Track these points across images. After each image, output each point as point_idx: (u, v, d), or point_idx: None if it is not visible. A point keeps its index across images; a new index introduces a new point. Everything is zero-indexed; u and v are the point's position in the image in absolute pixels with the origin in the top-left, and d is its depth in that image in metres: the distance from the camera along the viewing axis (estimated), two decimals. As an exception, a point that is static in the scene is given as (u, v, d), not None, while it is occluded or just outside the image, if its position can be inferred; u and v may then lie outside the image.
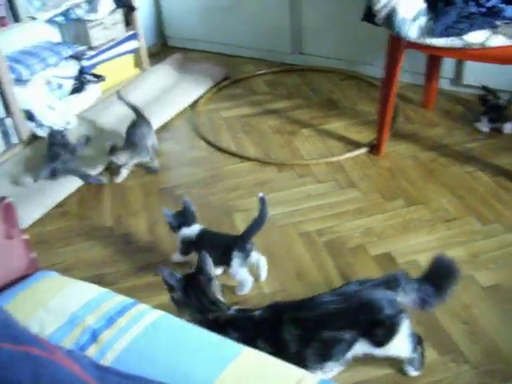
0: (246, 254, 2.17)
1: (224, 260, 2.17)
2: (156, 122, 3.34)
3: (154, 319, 1.30)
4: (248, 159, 3.01)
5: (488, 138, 3.04)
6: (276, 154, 3.05)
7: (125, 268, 2.38)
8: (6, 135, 3.12)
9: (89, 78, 3.54)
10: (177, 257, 2.36)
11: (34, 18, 3.13)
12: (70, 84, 3.42)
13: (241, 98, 3.64)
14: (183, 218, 2.26)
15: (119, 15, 3.71)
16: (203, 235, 2.25)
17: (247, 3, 3.96)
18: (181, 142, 3.26)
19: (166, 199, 2.76)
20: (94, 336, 1.23)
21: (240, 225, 2.54)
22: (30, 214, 2.70)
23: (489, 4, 2.45)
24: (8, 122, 3.11)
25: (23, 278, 1.46)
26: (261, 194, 2.17)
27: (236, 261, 2.15)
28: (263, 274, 2.27)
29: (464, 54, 2.49)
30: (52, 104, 3.27)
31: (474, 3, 2.45)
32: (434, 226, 2.47)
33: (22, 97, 3.14)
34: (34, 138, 3.22)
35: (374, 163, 2.90)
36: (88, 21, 3.49)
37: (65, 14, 3.45)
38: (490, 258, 2.28)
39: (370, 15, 2.64)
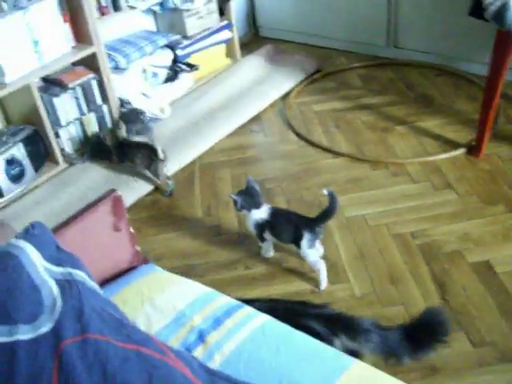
0: (315, 237, 2.17)
1: (294, 238, 2.18)
2: (247, 113, 3.33)
3: (261, 323, 1.28)
4: (340, 155, 2.95)
5: None
6: (369, 150, 2.97)
7: (214, 260, 2.39)
8: (102, 121, 3.19)
9: (182, 67, 3.57)
10: (265, 251, 2.35)
11: (133, 8, 3.18)
12: (164, 73, 3.45)
13: (333, 92, 3.57)
14: (251, 199, 2.22)
15: (214, 5, 3.71)
16: (275, 213, 2.24)
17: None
18: (272, 134, 3.24)
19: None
20: (202, 336, 1.23)
21: (331, 222, 2.48)
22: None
23: None
24: (104, 108, 3.18)
25: (128, 270, 1.48)
26: (326, 191, 2.14)
27: (305, 241, 2.16)
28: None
29: None
30: (147, 92, 3.32)
31: None
32: (537, 237, 2.34)
33: (118, 85, 3.20)
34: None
35: (473, 165, 2.78)
36: (184, 10, 3.51)
37: (161, 3, 3.49)
38: None
39: (477, 10, 2.51)
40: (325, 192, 2.15)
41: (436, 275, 2.19)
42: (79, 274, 1.12)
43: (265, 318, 1.31)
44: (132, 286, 1.39)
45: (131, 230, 1.53)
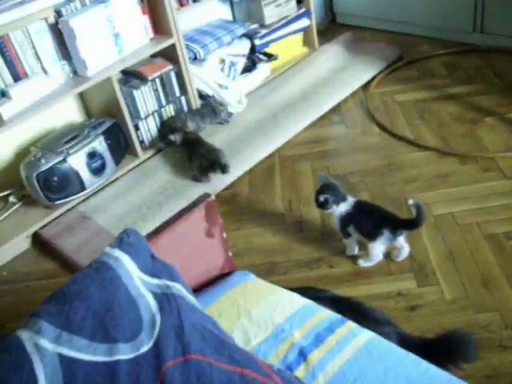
0: (394, 237, 2.14)
1: (373, 232, 2.14)
2: (327, 104, 3.24)
3: (366, 341, 1.21)
4: (426, 148, 2.81)
5: None
6: (457, 144, 2.82)
7: (297, 258, 2.33)
8: (180, 112, 3.17)
9: (261, 56, 3.50)
10: (350, 249, 2.28)
11: (210, -4, 3.13)
12: (242, 63, 3.40)
13: (416, 81, 3.42)
14: (336, 193, 2.18)
15: (292, -8, 3.62)
16: (360, 206, 2.20)
17: (424, -24, 3.71)
18: (353, 126, 3.13)
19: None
20: (303, 354, 1.16)
21: (418, 220, 2.38)
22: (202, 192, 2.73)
23: None
24: (182, 100, 3.16)
25: (221, 276, 1.43)
26: (412, 201, 2.08)
27: (382, 238, 2.12)
28: (401, 258, 2.22)
29: None
30: (225, 83, 3.28)
31: None
32: None
33: (195, 76, 3.17)
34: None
35: None
36: (262, -2, 3.44)
37: (239, -9, 3.43)
38: None
39: None
40: (410, 202, 2.07)
41: (534, 279, 2.06)
42: (176, 287, 1.07)
43: (369, 335, 1.23)
44: (227, 295, 1.34)
45: (224, 235, 1.48)
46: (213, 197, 1.42)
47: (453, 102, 3.15)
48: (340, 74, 3.50)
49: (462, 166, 2.66)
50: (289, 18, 3.62)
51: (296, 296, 1.37)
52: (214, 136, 3.08)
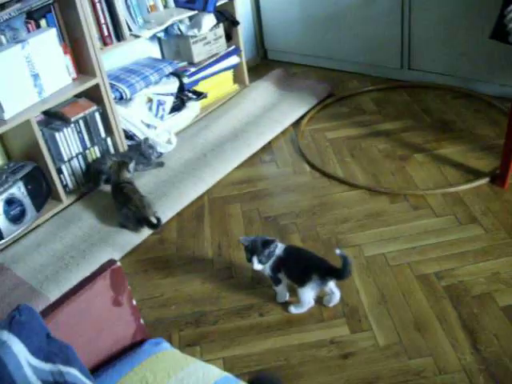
0: (323, 283, 2.08)
1: (300, 278, 2.08)
2: (258, 142, 3.19)
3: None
4: (357, 187, 2.79)
5: None
6: (387, 181, 2.82)
7: (227, 306, 2.23)
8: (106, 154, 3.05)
9: (190, 95, 3.44)
10: (280, 296, 2.20)
11: (137, 36, 3.05)
12: (170, 102, 3.32)
13: (347, 118, 3.42)
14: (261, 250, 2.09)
15: (221, 30, 3.58)
16: (290, 251, 2.14)
17: (352, 14, 3.73)
18: (284, 165, 3.08)
19: (269, 229, 2.60)
20: None
21: (352, 263, 2.32)
22: (129, 238, 2.62)
23: None
24: (108, 141, 3.05)
25: (131, 346, 1.32)
26: (339, 252, 2.03)
27: (311, 284, 2.06)
28: (332, 303, 2.16)
29: None
30: (153, 123, 3.19)
31: None
32: None
33: (121, 116, 3.07)
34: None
35: (498, 196, 2.62)
36: (191, 36, 3.38)
37: (166, 29, 3.36)
38: None
39: (500, 33, 2.37)
40: (337, 252, 2.02)
41: (465, 321, 2.03)
42: (71, 373, 0.97)
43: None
44: (135, 371, 1.23)
45: (134, 302, 1.38)
46: (118, 263, 1.32)
47: (383, 138, 3.16)
48: (271, 112, 3.47)
49: (393, 205, 2.65)
50: (218, 56, 3.57)
51: (212, 368, 1.27)
52: (142, 178, 2.98)
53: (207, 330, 2.14)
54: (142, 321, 1.40)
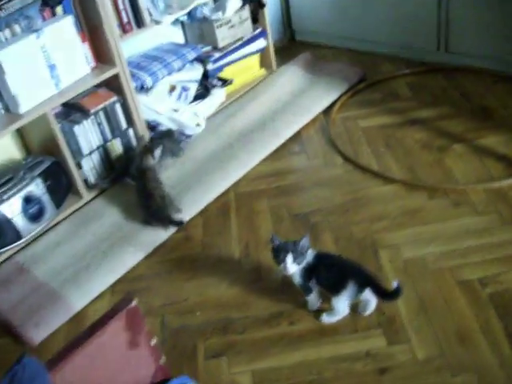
0: (360, 291, 1.93)
1: (335, 285, 1.94)
2: (286, 132, 3.03)
3: None
4: (393, 181, 2.62)
5: None
6: (425, 174, 2.63)
7: (254, 314, 2.10)
8: (128, 147, 2.92)
9: (215, 82, 3.28)
10: (312, 304, 2.06)
11: (158, 22, 2.89)
12: (194, 89, 3.17)
13: (380, 104, 3.23)
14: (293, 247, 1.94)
15: (246, 12, 3.40)
16: (321, 258, 1.99)
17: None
18: (314, 156, 2.92)
19: (299, 227, 2.45)
20: None
21: (387, 265, 2.18)
22: (152, 236, 2.50)
23: None
24: (130, 132, 2.92)
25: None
26: (396, 283, 1.88)
27: (347, 292, 1.91)
28: (367, 312, 2.01)
29: None
30: (176, 112, 3.04)
31: None
32: None
33: (144, 105, 2.94)
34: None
35: (546, 192, 2.43)
36: (215, 20, 3.22)
37: (189, 13, 3.19)
38: None
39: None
40: (394, 285, 1.87)
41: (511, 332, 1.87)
42: None
43: None
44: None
45: (153, 342, 1.24)
46: (134, 302, 1.19)
47: (419, 126, 2.97)
48: (299, 99, 3.30)
49: (432, 201, 2.47)
50: (244, 40, 3.40)
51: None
52: (165, 171, 2.84)
53: (234, 339, 2.01)
54: (163, 361, 1.26)
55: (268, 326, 2.04)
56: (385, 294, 1.92)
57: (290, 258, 1.91)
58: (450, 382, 1.75)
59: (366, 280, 1.92)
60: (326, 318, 2.01)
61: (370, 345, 1.91)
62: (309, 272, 1.96)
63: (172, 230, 2.53)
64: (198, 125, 3.08)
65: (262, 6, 3.40)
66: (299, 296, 2.08)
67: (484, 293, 2.02)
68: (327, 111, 3.24)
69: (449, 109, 3.07)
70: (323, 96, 3.30)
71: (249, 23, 3.45)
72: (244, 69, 3.51)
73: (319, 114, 3.22)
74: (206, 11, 3.20)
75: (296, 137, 3.06)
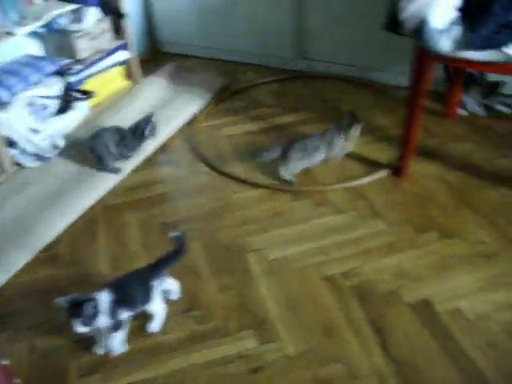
0: (162, 280, 2.00)
1: (144, 297, 1.95)
2: (153, 142, 3.02)
3: None
4: (258, 186, 2.69)
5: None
6: (288, 178, 2.74)
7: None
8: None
9: (76, 95, 3.20)
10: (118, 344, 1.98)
11: (11, 34, 2.78)
12: (55, 103, 3.08)
13: (244, 112, 3.31)
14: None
15: (107, 23, 3.37)
16: (115, 286, 1.92)
17: (245, 3, 3.63)
18: (181, 166, 2.93)
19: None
20: None
21: (254, 268, 2.24)
22: (15, 258, 2.39)
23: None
24: (-12, 149, 2.79)
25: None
26: (171, 234, 2.00)
27: (155, 293, 1.96)
28: (175, 295, 2.12)
29: (506, 69, 2.19)
30: (36, 127, 2.94)
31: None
32: (473, 264, 2.19)
33: (1, 122, 2.81)
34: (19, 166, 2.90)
35: (399, 188, 2.61)
36: (74, 31, 3.15)
37: (47, 24, 3.10)
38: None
39: (393, 24, 2.33)
40: (174, 234, 2.00)
41: (374, 322, 1.98)
42: None
43: None
44: None
45: (5, 362, 1.18)
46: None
47: (282, 132, 3.08)
48: (165, 110, 3.30)
49: (295, 203, 2.58)
50: (105, 52, 3.35)
51: None
52: (22, 192, 2.73)
53: (107, 354, 1.98)
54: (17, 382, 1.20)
55: (139, 337, 2.02)
56: (178, 253, 1.99)
57: (78, 323, 1.81)
58: (319, 374, 1.83)
59: (162, 266, 1.98)
60: (155, 326, 2.02)
61: (242, 346, 1.95)
62: (113, 308, 1.88)
63: (37, 247, 2.43)
64: (55, 147, 2.99)
65: (121, 16, 3.37)
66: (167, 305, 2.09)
67: (346, 286, 2.13)
68: (193, 121, 3.27)
69: (310, 114, 3.21)
70: (188, 106, 3.34)
71: (110, 35, 3.41)
72: (107, 81, 3.46)
73: (185, 124, 3.25)
74: (64, 22, 3.13)
75: (163, 148, 3.06)
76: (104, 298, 1.86)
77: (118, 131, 2.87)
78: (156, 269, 1.97)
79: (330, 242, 2.34)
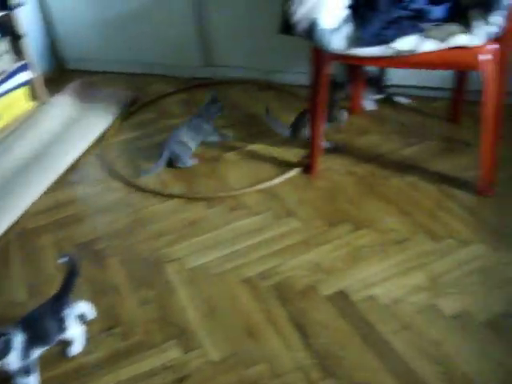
0: (73, 307, 1.97)
1: (59, 325, 1.91)
2: (62, 163, 2.98)
3: None
4: (173, 196, 2.70)
5: (422, 142, 2.88)
6: (202, 186, 2.76)
7: (47, 351, 2.03)
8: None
9: (-23, 121, 3.12)
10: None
11: None
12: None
13: (154, 124, 3.30)
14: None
15: (5, 45, 3.29)
16: (25, 323, 1.87)
17: (148, 13, 3.62)
18: (93, 184, 2.89)
19: (84, 257, 2.40)
20: None
21: (173, 278, 2.25)
22: None
23: (414, 6, 2.25)
24: None
25: None
26: (60, 260, 1.96)
27: (70, 318, 1.93)
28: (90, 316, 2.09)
29: (396, 63, 2.28)
30: None
31: (400, 7, 2.25)
32: (385, 251, 2.27)
33: None
34: None
35: (310, 185, 2.67)
36: (-31, 56, 3.07)
37: None
38: (451, 280, 2.10)
39: (287, 27, 2.39)
40: (61, 261, 1.95)
41: (294, 318, 2.03)
42: None
43: None
44: None
45: None
46: None
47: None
48: (73, 128, 3.26)
49: (210, 210, 2.60)
50: (6, 74, 3.27)
51: None
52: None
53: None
54: None
55: (61, 362, 1.99)
56: (73, 275, 1.95)
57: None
58: (244, 376, 1.85)
59: (66, 294, 1.95)
60: (76, 348, 1.99)
61: (167, 357, 1.94)
62: (26, 348, 1.83)
63: None
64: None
65: (18, 37, 3.30)
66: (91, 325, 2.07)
67: (264, 286, 2.17)
68: (103, 137, 3.24)
69: (220, 120, 3.21)
70: (96, 123, 3.30)
71: (9, 56, 3.33)
72: (11, 104, 3.37)
73: (94, 140, 3.20)
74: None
75: (75, 166, 3.02)
76: (17, 337, 1.80)
77: (188, 125, 2.93)
78: (63, 298, 1.94)
79: (247, 244, 2.37)
